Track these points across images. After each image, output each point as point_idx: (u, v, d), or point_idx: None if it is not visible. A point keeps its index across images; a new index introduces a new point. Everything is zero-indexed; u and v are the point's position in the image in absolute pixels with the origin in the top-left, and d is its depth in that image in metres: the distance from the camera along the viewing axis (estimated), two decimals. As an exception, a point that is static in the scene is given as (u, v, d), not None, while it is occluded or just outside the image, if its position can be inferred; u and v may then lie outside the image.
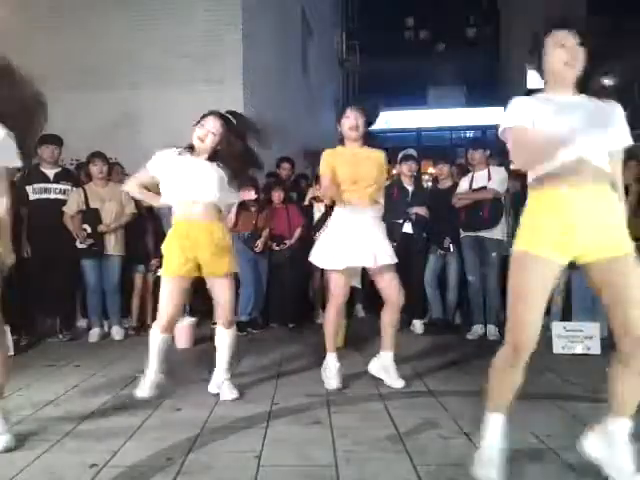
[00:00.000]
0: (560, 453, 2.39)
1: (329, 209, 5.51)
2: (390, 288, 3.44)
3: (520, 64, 21.64)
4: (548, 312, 2.03)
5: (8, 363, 2.63)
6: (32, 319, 5.24)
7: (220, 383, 3.33)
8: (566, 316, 4.85)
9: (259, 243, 5.49)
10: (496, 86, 22.09)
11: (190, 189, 3.16)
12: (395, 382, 3.46)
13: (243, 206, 5.41)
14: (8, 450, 2.50)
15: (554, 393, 3.28)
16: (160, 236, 3.37)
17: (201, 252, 3.16)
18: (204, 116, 3.25)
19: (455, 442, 2.55)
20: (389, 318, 3.49)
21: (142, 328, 5.44)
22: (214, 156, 3.24)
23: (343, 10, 18.16)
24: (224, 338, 3.33)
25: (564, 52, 2.04)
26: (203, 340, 4.81)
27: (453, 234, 5.18)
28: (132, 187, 3.37)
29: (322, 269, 5.71)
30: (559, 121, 1.95)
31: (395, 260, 3.46)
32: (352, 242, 3.36)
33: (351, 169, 3.41)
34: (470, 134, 20.79)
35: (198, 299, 5.57)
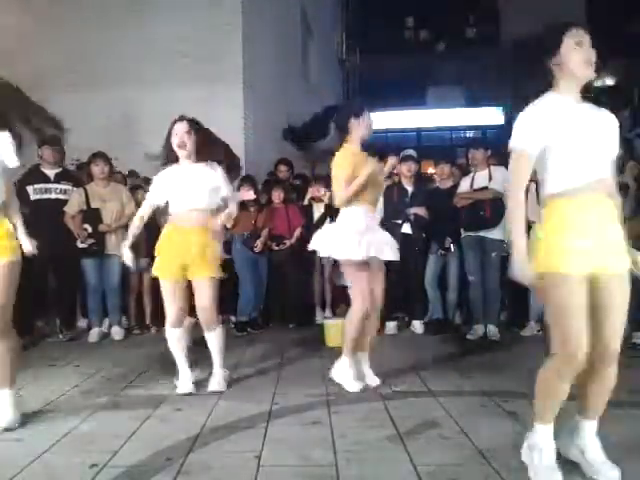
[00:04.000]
0: (561, 453, 2.39)
1: (329, 209, 5.53)
2: (377, 286, 3.47)
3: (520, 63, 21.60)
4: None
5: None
6: (32, 319, 5.23)
7: (216, 378, 3.48)
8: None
9: (259, 243, 5.48)
10: (496, 86, 22.05)
11: (182, 199, 3.39)
12: (373, 379, 3.50)
13: (243, 206, 5.41)
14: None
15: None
16: (155, 235, 3.50)
17: (187, 255, 3.33)
18: (171, 127, 3.41)
19: (455, 442, 2.54)
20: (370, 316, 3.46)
21: (141, 327, 5.44)
22: (200, 157, 3.41)
23: (343, 10, 18.14)
24: (210, 341, 3.51)
25: (583, 51, 2.03)
26: (203, 340, 4.80)
27: (454, 234, 5.18)
28: (135, 224, 3.56)
29: (321, 270, 5.76)
30: (578, 144, 2.00)
31: (397, 256, 3.51)
32: (371, 236, 3.39)
33: (373, 176, 3.42)
34: (470, 134, 20.77)
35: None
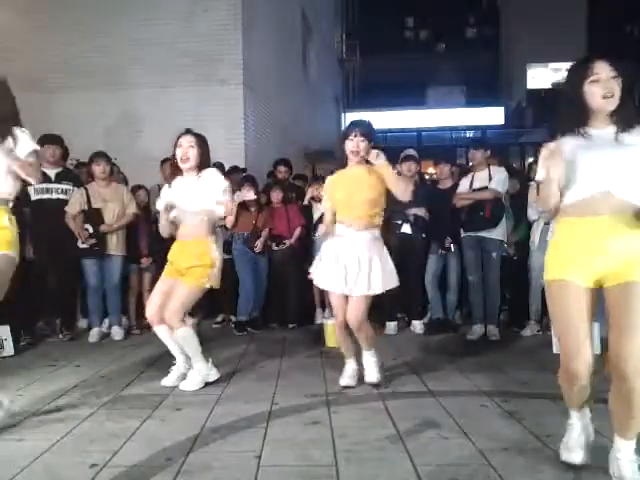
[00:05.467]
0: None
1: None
2: (350, 312, 3.40)
3: (520, 64, 21.64)
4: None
5: None
6: (32, 319, 5.23)
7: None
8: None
9: (259, 243, 5.49)
10: (496, 86, 22.08)
11: (178, 213, 3.53)
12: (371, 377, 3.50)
13: (243, 206, 5.41)
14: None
15: (554, 393, 3.26)
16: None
17: (179, 262, 3.50)
18: (176, 139, 3.52)
19: (455, 442, 2.54)
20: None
21: (141, 327, 5.44)
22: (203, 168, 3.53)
23: (343, 10, 18.15)
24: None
25: (599, 86, 2.04)
26: (203, 340, 4.79)
27: (453, 234, 5.18)
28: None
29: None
30: (587, 157, 2.04)
31: (377, 290, 3.38)
32: (341, 267, 3.36)
33: (347, 193, 3.42)
34: (470, 134, 20.78)
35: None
